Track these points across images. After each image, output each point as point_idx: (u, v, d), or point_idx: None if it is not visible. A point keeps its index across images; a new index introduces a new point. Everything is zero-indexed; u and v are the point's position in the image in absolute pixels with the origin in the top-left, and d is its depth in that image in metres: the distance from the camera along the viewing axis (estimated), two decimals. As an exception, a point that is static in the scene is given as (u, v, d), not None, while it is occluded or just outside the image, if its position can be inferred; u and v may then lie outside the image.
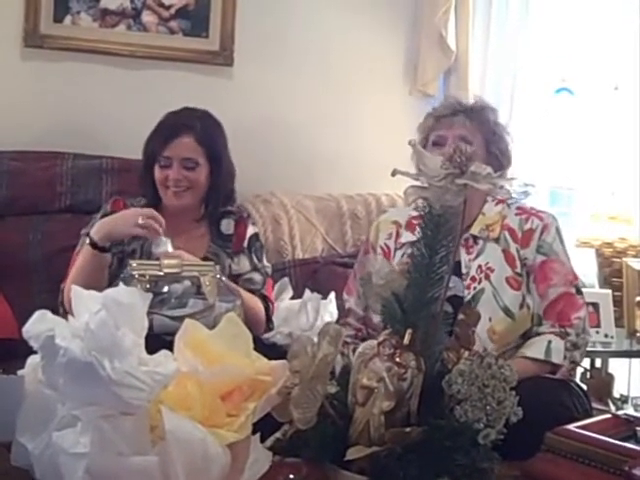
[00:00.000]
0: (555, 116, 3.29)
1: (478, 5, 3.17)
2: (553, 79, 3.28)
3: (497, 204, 2.09)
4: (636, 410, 2.83)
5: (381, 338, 1.39)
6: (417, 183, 1.34)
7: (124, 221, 2.11)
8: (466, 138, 2.01)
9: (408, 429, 1.32)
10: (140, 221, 2.07)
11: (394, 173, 1.34)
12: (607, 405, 2.82)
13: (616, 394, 2.95)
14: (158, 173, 2.24)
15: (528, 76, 3.18)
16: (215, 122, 2.32)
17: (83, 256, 2.12)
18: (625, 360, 3.04)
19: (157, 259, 2.10)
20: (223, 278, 2.12)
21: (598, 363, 2.97)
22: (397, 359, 1.36)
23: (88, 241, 2.11)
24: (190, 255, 2.13)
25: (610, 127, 3.10)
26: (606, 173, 3.14)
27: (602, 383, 2.93)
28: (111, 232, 2.11)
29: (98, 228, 2.12)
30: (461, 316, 1.46)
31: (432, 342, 1.39)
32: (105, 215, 2.22)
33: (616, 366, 3.02)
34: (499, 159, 2.06)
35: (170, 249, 2.08)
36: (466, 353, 1.41)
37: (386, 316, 1.44)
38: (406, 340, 1.34)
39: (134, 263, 2.00)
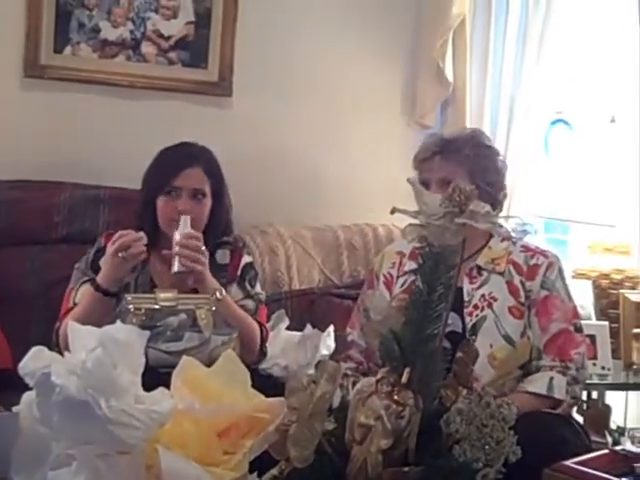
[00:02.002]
0: (552, 147, 3.31)
1: (475, 37, 3.19)
2: (550, 111, 3.30)
3: (503, 241, 2.11)
4: (633, 442, 2.81)
5: (379, 376, 1.39)
6: (416, 221, 1.34)
7: (114, 266, 2.08)
8: (447, 180, 2.02)
9: (406, 468, 1.32)
10: (122, 256, 2.06)
11: (393, 211, 1.34)
12: (604, 437, 2.81)
13: (613, 426, 2.94)
14: (164, 204, 2.22)
15: (525, 108, 3.19)
16: (214, 156, 2.33)
17: (89, 301, 2.10)
18: (622, 392, 3.03)
19: (152, 288, 2.10)
20: (228, 299, 2.12)
21: (595, 395, 2.96)
22: (395, 397, 1.35)
23: (93, 287, 2.09)
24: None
25: (607, 159, 3.11)
26: (603, 205, 3.14)
27: (599, 415, 2.92)
28: (112, 279, 2.09)
29: (102, 278, 2.09)
30: (459, 354, 1.46)
31: (430, 380, 1.38)
32: (99, 250, 2.22)
33: (613, 398, 3.01)
34: (488, 191, 2.07)
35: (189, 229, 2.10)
36: (464, 391, 1.40)
37: (384, 353, 1.43)
38: (404, 378, 1.34)
39: (129, 297, 1.99)
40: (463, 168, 2.06)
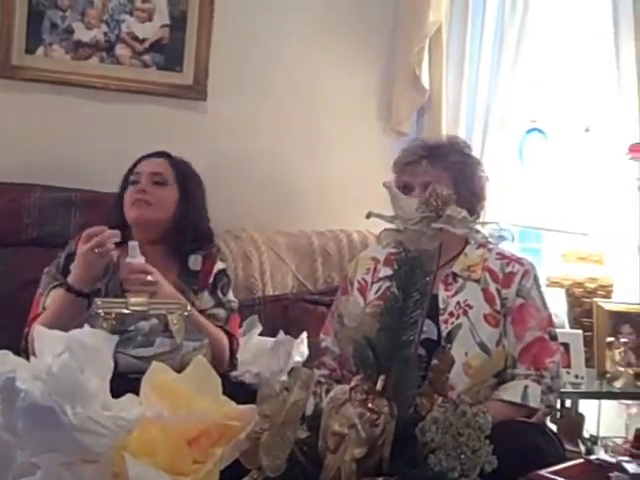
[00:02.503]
0: (526, 156, 3.32)
1: (452, 44, 3.19)
2: (525, 119, 3.31)
3: (478, 247, 2.11)
4: (606, 451, 2.81)
5: (353, 383, 1.37)
6: (392, 226, 1.32)
7: (88, 263, 2.05)
8: (431, 184, 2.01)
9: (381, 478, 1.30)
10: (98, 251, 2.02)
11: (369, 216, 1.32)
12: (577, 446, 2.81)
13: (586, 434, 2.94)
14: (127, 192, 2.23)
15: (500, 116, 3.19)
16: (193, 168, 2.34)
17: (60, 302, 2.07)
18: (595, 401, 3.04)
19: (122, 293, 2.06)
20: (194, 313, 2.08)
21: (568, 403, 2.96)
22: (369, 405, 1.33)
23: (64, 288, 2.06)
24: (162, 277, 2.09)
25: (581, 168, 3.12)
26: (577, 213, 3.15)
27: (572, 423, 2.92)
28: (86, 278, 2.05)
29: (75, 278, 2.06)
30: (435, 361, 1.44)
31: (405, 387, 1.36)
32: (70, 254, 2.18)
33: (586, 407, 3.01)
34: (469, 200, 2.06)
35: (142, 260, 2.06)
36: (440, 399, 1.39)
37: (358, 360, 1.41)
38: (379, 386, 1.31)
39: (99, 301, 1.96)
40: (448, 174, 2.05)
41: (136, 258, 2.06)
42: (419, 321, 1.39)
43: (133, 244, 2.08)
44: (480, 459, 1.30)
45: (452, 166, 2.07)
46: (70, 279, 2.07)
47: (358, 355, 1.40)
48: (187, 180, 2.28)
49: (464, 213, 1.30)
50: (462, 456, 1.29)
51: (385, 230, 1.32)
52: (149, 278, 2.05)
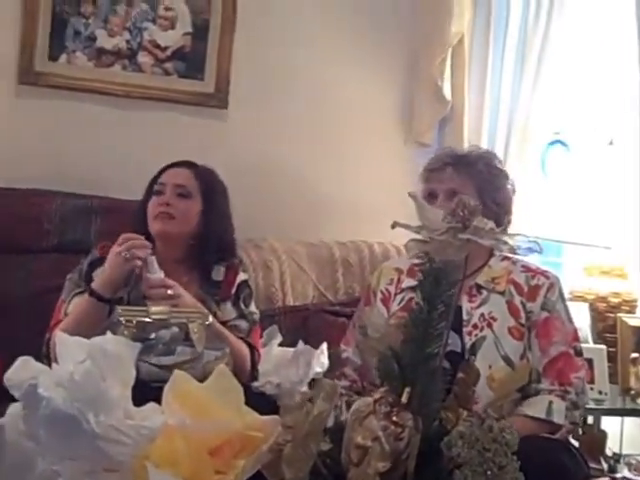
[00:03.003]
0: (549, 168, 3.29)
1: (474, 55, 3.17)
2: (548, 131, 3.28)
3: (503, 260, 2.10)
4: (630, 469, 2.77)
5: (377, 395, 1.34)
6: (418, 236, 1.30)
7: (114, 266, 2.06)
8: (456, 192, 1.99)
9: (404, 492, 1.27)
10: (125, 255, 2.03)
11: (394, 226, 1.31)
12: (599, 463, 2.77)
13: (608, 452, 2.90)
14: (151, 203, 2.22)
15: (523, 127, 3.17)
16: (218, 176, 2.32)
17: (82, 308, 2.07)
18: (618, 417, 2.99)
19: (145, 303, 2.05)
20: (215, 323, 2.07)
21: (590, 420, 2.92)
22: (394, 418, 1.31)
23: (88, 294, 2.06)
24: (183, 290, 2.08)
25: (604, 181, 3.09)
26: (599, 227, 3.12)
27: (594, 440, 2.88)
28: (110, 281, 2.07)
29: (99, 282, 2.08)
30: (460, 374, 1.42)
31: (430, 401, 1.34)
32: (94, 261, 2.19)
33: (608, 423, 2.97)
34: (494, 210, 2.04)
35: (161, 274, 2.06)
36: (465, 413, 1.36)
37: (382, 372, 1.39)
38: (404, 399, 1.29)
39: (120, 309, 1.95)
40: (473, 183, 2.03)
41: (155, 273, 2.07)
42: (444, 333, 1.36)
43: (151, 259, 2.08)
44: (507, 476, 1.27)
45: (478, 175, 2.05)
46: (94, 284, 2.07)
47: (382, 367, 1.38)
48: (211, 191, 2.26)
49: (491, 224, 1.28)
50: (488, 472, 1.27)
51: (412, 240, 1.30)
52: (169, 292, 2.05)
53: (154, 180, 2.27)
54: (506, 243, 1.27)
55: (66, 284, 2.19)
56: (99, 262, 2.18)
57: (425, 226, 1.29)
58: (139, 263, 2.07)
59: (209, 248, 2.24)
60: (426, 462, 1.31)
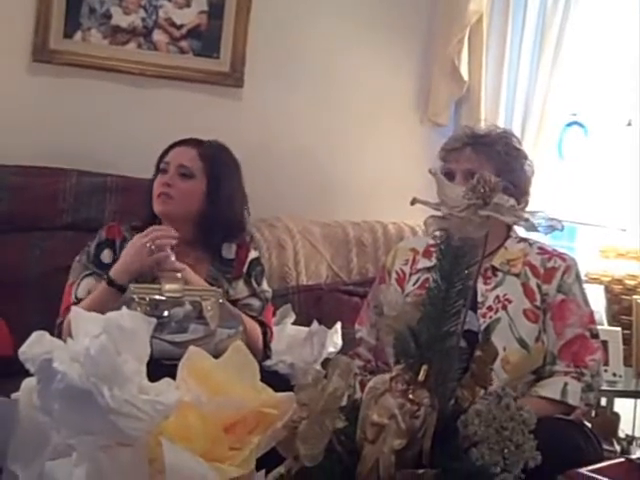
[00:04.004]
0: (566, 150, 3.26)
1: (492, 35, 3.14)
2: (565, 112, 3.25)
3: (519, 242, 2.08)
4: (644, 451, 2.77)
5: (394, 373, 1.33)
6: (437, 213, 1.29)
7: (136, 255, 2.06)
8: (473, 172, 1.97)
9: (420, 471, 1.27)
10: (150, 246, 2.03)
11: (414, 202, 1.29)
12: (612, 445, 2.76)
13: (621, 434, 2.89)
14: (156, 182, 2.21)
15: (540, 108, 3.14)
16: (228, 151, 2.30)
17: (99, 295, 2.06)
18: (631, 400, 2.98)
19: (158, 279, 2.05)
20: (226, 303, 2.07)
21: (603, 402, 2.91)
22: (410, 396, 1.30)
23: (105, 283, 2.06)
24: (193, 274, 2.07)
25: (622, 163, 3.06)
26: (615, 208, 3.09)
27: (607, 422, 2.87)
28: (130, 270, 2.06)
29: (117, 269, 2.07)
30: (478, 353, 1.41)
31: (447, 379, 1.33)
32: (101, 243, 2.19)
33: (622, 405, 2.96)
34: (512, 192, 2.02)
35: (172, 258, 2.06)
36: (482, 391, 1.35)
37: (399, 350, 1.38)
38: (421, 376, 1.28)
39: (133, 286, 1.95)
40: (491, 163, 2.01)
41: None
42: (462, 311, 1.35)
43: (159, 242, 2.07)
44: (524, 454, 1.27)
45: (496, 156, 2.03)
46: (112, 272, 2.07)
47: (399, 345, 1.37)
48: (217, 170, 2.23)
49: (512, 201, 1.27)
50: (505, 450, 1.26)
51: (431, 217, 1.28)
52: (178, 275, 2.05)
53: (161, 158, 2.26)
54: (527, 220, 1.25)
55: (74, 266, 2.19)
56: (106, 244, 2.18)
57: (445, 202, 1.27)
58: (163, 255, 2.06)
59: (215, 228, 2.22)
60: (442, 440, 1.31)
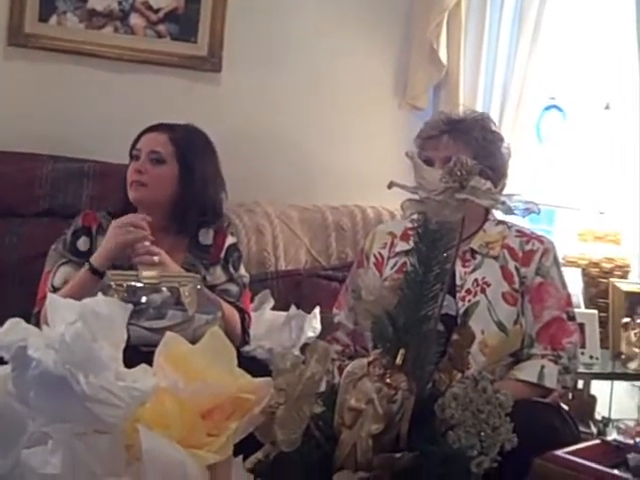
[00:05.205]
0: (544, 133, 3.27)
1: (470, 20, 3.13)
2: (543, 96, 3.26)
3: (498, 224, 2.09)
4: (618, 433, 2.79)
5: (371, 358, 1.34)
6: (415, 196, 1.29)
7: (116, 242, 2.06)
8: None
9: (398, 454, 1.27)
10: (128, 236, 2.04)
11: (391, 185, 1.29)
12: (588, 427, 2.79)
13: (598, 416, 2.91)
14: (129, 169, 2.20)
15: (518, 92, 3.14)
16: (202, 135, 2.28)
17: (79, 282, 2.05)
18: (607, 382, 3.01)
19: (135, 268, 2.04)
20: (204, 288, 2.06)
21: (580, 384, 2.93)
22: (387, 380, 1.30)
23: (87, 267, 2.05)
24: (169, 259, 2.07)
25: (600, 146, 3.07)
26: (594, 191, 3.11)
27: (584, 404, 2.89)
28: (110, 257, 2.06)
29: (97, 256, 2.07)
30: (455, 336, 1.41)
31: (424, 363, 1.33)
32: (77, 230, 2.18)
33: (598, 388, 2.98)
34: (490, 175, 2.02)
35: (147, 243, 2.06)
36: (459, 375, 1.36)
37: (376, 334, 1.38)
38: (398, 360, 1.28)
39: (110, 273, 1.94)
40: (469, 149, 2.01)
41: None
42: (439, 295, 1.35)
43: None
44: (500, 437, 1.27)
45: (474, 142, 2.03)
46: (92, 259, 2.06)
47: (377, 329, 1.37)
48: (189, 154, 2.21)
49: (489, 184, 1.27)
50: (482, 433, 1.27)
51: (408, 200, 1.28)
52: (155, 259, 2.05)
53: (133, 145, 2.24)
54: (504, 203, 1.25)
55: (50, 254, 2.18)
56: (82, 231, 2.17)
57: (422, 186, 1.27)
58: (142, 233, 2.06)
59: (189, 213, 2.20)
60: (419, 424, 1.31)
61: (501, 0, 3.13)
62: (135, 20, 2.80)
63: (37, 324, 1.98)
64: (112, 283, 1.91)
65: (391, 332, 1.33)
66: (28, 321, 1.43)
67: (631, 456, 1.68)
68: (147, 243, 2.06)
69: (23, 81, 2.71)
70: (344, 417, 1.33)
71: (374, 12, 3.07)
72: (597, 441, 1.81)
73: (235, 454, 1.34)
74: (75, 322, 1.24)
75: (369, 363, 1.34)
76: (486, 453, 1.28)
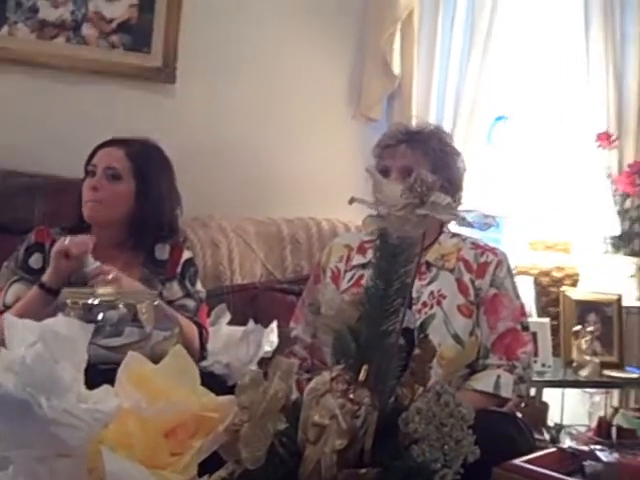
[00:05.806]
0: (495, 144, 3.32)
1: (423, 30, 3.16)
2: (495, 107, 3.30)
3: (452, 237, 2.12)
4: (571, 439, 2.84)
5: (334, 373, 1.34)
6: (374, 212, 1.30)
7: (55, 264, 2.02)
8: (409, 169, 1.99)
9: (362, 470, 1.27)
10: (66, 265, 2.01)
11: (351, 201, 1.29)
12: (542, 434, 2.83)
13: (550, 423, 2.96)
14: (84, 185, 2.17)
15: (471, 103, 3.18)
16: (158, 150, 2.26)
17: (31, 300, 2.02)
18: (559, 389, 3.06)
19: (90, 285, 2.01)
20: (161, 304, 2.04)
21: (533, 392, 2.97)
22: (351, 395, 1.30)
23: (37, 286, 2.02)
24: (123, 275, 2.05)
25: (550, 156, 3.12)
26: (544, 201, 3.15)
27: (537, 412, 2.93)
28: (57, 278, 2.02)
29: (50, 274, 2.03)
30: (417, 351, 1.42)
31: (386, 377, 1.34)
32: (30, 247, 2.15)
33: (550, 395, 3.03)
34: (447, 188, 2.04)
35: (97, 264, 2.02)
36: (420, 389, 1.37)
37: (338, 350, 1.38)
38: (362, 376, 1.29)
39: (66, 291, 1.91)
40: (427, 160, 2.03)
41: (90, 266, 2.02)
42: (400, 310, 1.36)
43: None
44: (463, 449, 1.29)
45: (431, 152, 2.05)
46: (44, 277, 2.03)
47: (339, 344, 1.37)
48: (145, 170, 2.19)
49: (448, 199, 1.28)
50: (445, 447, 1.28)
51: (369, 216, 1.29)
52: (109, 277, 2.02)
53: (88, 160, 2.21)
54: (464, 219, 1.27)
55: (2, 271, 2.15)
56: (35, 248, 2.14)
57: (383, 202, 1.28)
58: (76, 263, 2.02)
59: (145, 230, 2.19)
60: (383, 438, 1.32)
61: (453, 10, 3.17)
62: (88, 30, 2.78)
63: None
64: (68, 301, 1.88)
65: (353, 348, 1.34)
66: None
67: (587, 463, 1.72)
68: (98, 263, 2.03)
69: (-28, 93, 2.67)
70: (308, 433, 1.33)
71: (328, 24, 3.09)
72: (553, 449, 1.84)
73: (200, 474, 1.33)
74: (35, 343, 1.22)
75: (332, 379, 1.34)
76: (449, 466, 1.29)
